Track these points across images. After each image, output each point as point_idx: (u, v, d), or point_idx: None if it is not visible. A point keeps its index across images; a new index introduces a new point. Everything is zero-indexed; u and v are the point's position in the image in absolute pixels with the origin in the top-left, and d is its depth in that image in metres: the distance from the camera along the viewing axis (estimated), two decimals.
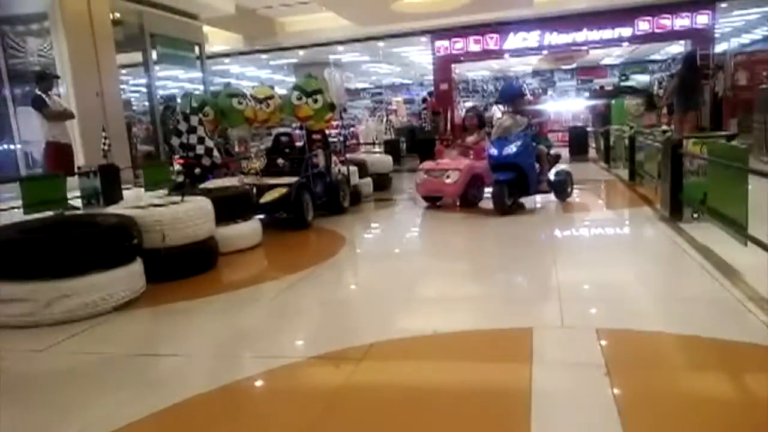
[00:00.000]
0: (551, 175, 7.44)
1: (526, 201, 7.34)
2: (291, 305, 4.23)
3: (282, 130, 8.33)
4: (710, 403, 2.51)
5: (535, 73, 27.45)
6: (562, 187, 7.54)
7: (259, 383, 3.00)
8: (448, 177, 7.46)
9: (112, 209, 4.84)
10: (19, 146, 9.99)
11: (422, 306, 4.15)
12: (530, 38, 17.06)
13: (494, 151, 6.87)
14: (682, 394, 2.61)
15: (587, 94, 20.43)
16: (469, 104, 19.36)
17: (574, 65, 25.92)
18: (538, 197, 7.58)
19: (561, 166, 8.02)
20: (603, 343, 3.06)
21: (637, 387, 2.64)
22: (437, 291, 4.50)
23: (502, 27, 16.97)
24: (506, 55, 18.33)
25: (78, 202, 6.16)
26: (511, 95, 7.60)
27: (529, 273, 4.76)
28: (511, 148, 6.73)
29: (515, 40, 17.20)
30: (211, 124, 6.83)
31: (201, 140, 5.38)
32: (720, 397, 2.57)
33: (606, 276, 4.47)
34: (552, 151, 7.47)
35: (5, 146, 10.04)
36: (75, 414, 2.70)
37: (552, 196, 7.51)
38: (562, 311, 3.58)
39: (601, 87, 21.00)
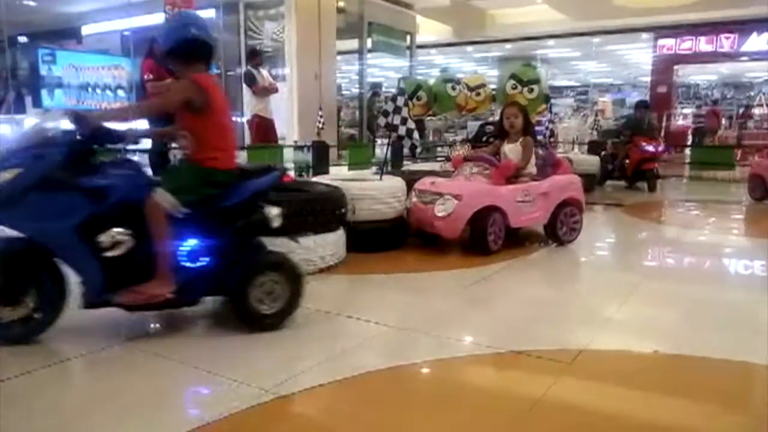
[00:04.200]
0: None
1: None
2: (487, 295, 4.06)
3: (488, 120, 8.17)
4: None
5: None
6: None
7: (457, 366, 2.87)
8: (441, 206, 5.02)
9: (318, 179, 5.11)
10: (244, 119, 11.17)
11: (640, 321, 3.70)
12: None
13: None
14: None
15: None
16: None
17: None
18: None
19: None
20: None
21: None
22: (659, 307, 3.99)
23: (740, 26, 14.91)
24: (743, 58, 16.09)
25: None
26: None
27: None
28: None
29: (758, 41, 14.99)
30: (423, 108, 6.92)
31: (404, 121, 5.41)
32: None
33: None
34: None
35: (238, 119, 11.24)
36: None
37: None
38: None
39: None
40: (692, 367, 2.86)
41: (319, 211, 4.38)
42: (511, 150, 5.48)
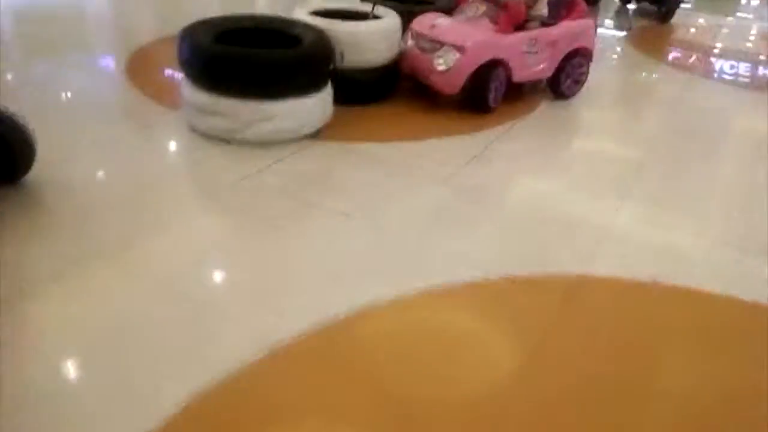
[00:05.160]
0: None
1: None
2: (480, 185, 3.75)
3: None
4: None
5: None
6: None
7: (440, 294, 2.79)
8: (441, 59, 4.48)
9: (304, 17, 4.38)
10: None
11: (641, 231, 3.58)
12: None
13: None
14: None
15: None
16: None
17: None
18: None
19: None
20: None
21: None
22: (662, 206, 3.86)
23: None
24: None
25: None
26: None
27: None
28: None
29: None
30: None
31: None
32: None
33: None
34: None
35: None
36: None
37: None
38: None
39: None
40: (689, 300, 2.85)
41: (304, 68, 3.86)
42: None
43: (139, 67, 5.09)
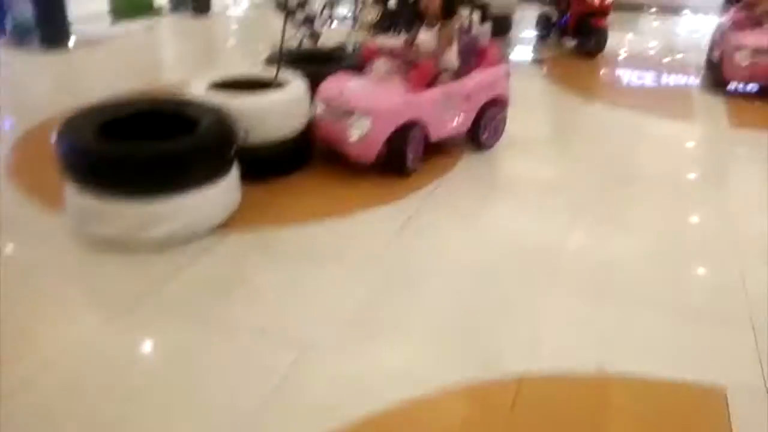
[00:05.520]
0: None
1: None
2: (409, 267, 3.42)
3: None
4: None
5: None
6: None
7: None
8: (354, 129, 4.10)
9: (201, 90, 4.01)
10: None
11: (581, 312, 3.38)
12: None
13: None
14: None
15: None
16: None
17: None
18: None
19: None
20: None
21: None
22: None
23: None
24: None
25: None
26: None
27: None
28: None
29: None
30: None
31: (302, 3, 4.22)
32: None
33: None
34: None
35: None
36: None
37: None
38: None
39: None
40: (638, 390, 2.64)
41: (201, 157, 3.48)
42: (429, 41, 4.55)
43: (23, 158, 4.54)
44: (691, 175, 4.91)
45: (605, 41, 8.04)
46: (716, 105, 6.48)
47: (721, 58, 6.82)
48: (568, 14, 8.05)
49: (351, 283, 3.24)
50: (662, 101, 6.68)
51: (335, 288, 3.21)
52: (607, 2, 7.89)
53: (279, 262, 3.41)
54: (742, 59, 6.54)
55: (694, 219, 4.22)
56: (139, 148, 3.31)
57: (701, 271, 3.63)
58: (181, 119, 3.70)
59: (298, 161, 4.44)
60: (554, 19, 8.50)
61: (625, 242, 3.77)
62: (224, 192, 3.61)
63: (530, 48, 8.77)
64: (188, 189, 3.38)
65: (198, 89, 4.11)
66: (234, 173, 3.74)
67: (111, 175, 3.27)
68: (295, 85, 4.32)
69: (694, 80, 7.35)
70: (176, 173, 3.36)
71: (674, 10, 11.61)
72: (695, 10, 11.64)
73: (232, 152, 3.67)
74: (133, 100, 3.95)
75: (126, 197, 3.28)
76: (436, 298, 3.19)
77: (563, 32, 8.35)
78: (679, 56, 8.48)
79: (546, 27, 8.72)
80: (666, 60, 8.35)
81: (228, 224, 3.66)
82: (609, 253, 3.65)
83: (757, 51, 6.49)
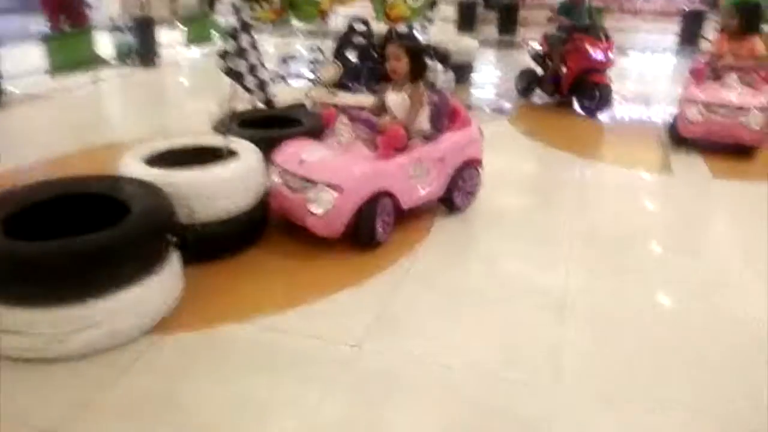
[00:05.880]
0: None
1: None
2: (392, 370, 2.91)
3: (357, 16, 6.45)
4: None
5: None
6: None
7: None
8: (316, 203, 3.68)
9: (136, 168, 3.48)
10: None
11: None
12: None
13: None
14: None
15: None
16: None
17: None
18: None
19: None
20: None
21: None
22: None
23: None
24: None
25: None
26: None
27: None
28: None
29: None
30: (275, 14, 5.15)
31: (252, 69, 3.82)
32: None
33: None
34: None
35: None
36: None
37: None
38: None
39: None
40: None
41: (132, 250, 2.91)
42: (397, 103, 4.16)
43: None
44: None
45: (611, 97, 7.35)
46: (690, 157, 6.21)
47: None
48: (564, 70, 7.44)
49: (314, 400, 2.69)
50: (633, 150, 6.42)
51: (296, 407, 2.65)
52: (611, 58, 7.27)
53: (222, 372, 2.83)
54: (693, 115, 5.97)
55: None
56: (47, 248, 2.70)
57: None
58: (112, 201, 3.16)
59: (252, 237, 3.92)
60: (541, 74, 7.91)
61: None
62: (160, 287, 3.04)
63: (494, 96, 8.54)
64: (116, 289, 2.81)
65: (131, 166, 3.57)
66: (173, 263, 3.19)
67: (17, 280, 2.68)
68: (246, 155, 3.82)
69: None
70: (99, 273, 2.78)
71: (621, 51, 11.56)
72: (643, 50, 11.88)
73: (171, 241, 3.13)
74: (51, 183, 3.36)
75: (38, 305, 2.69)
76: (422, 416, 2.66)
77: (555, 89, 7.65)
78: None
79: (530, 83, 8.08)
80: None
81: (167, 321, 3.08)
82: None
83: (709, 106, 5.91)
